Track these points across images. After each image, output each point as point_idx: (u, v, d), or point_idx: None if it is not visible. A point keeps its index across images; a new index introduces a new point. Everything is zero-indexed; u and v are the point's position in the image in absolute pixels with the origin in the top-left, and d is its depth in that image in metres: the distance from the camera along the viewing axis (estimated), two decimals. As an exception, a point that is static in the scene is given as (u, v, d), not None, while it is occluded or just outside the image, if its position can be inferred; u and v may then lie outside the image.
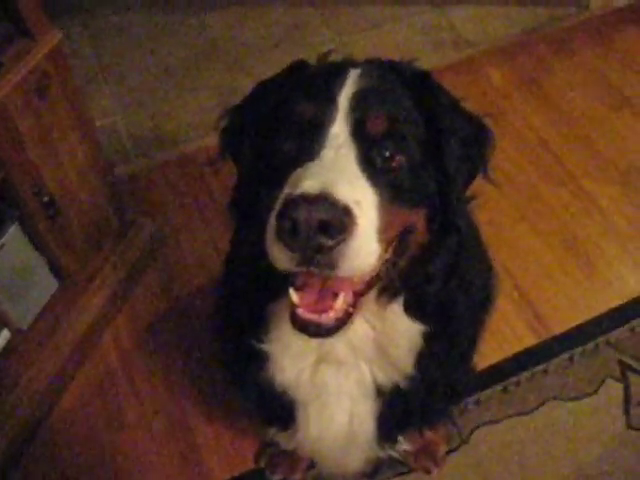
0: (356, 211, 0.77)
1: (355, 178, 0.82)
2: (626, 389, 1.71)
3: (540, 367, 1.75)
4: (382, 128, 0.87)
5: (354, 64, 0.96)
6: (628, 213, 2.04)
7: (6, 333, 1.62)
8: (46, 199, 1.52)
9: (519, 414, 1.68)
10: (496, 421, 1.67)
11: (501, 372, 1.74)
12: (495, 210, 2.02)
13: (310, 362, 1.06)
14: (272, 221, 0.79)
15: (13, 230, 1.55)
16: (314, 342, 0.99)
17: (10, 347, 1.63)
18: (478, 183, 1.00)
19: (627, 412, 1.67)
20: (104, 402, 1.74)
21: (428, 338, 1.02)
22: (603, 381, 1.72)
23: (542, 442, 1.64)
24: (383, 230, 0.82)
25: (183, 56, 2.54)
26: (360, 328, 0.99)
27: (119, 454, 1.67)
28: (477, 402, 1.69)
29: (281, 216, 0.76)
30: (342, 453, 1.23)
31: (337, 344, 1.01)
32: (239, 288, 1.10)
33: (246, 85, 1.05)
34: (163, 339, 1.85)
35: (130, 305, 1.90)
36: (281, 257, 0.79)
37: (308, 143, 0.85)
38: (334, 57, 1.03)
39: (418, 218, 0.92)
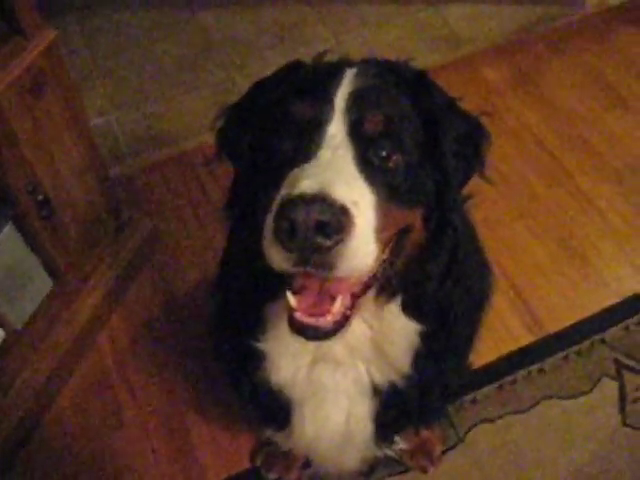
0: (354, 211, 0.77)
1: (352, 178, 0.82)
2: (621, 387, 1.71)
3: (536, 366, 1.75)
4: (379, 128, 0.87)
5: (350, 64, 0.96)
6: (624, 212, 2.05)
7: (1, 333, 1.61)
8: (41, 198, 1.51)
9: (515, 413, 1.68)
10: (492, 420, 1.67)
11: (497, 371, 1.74)
12: (491, 209, 2.02)
13: (307, 361, 1.06)
14: (269, 221, 0.79)
15: (7, 229, 1.54)
16: (311, 342, 0.99)
17: (5, 347, 1.62)
18: (474, 182, 1.00)
19: (622, 410, 1.67)
20: (100, 401, 1.74)
21: (425, 337, 1.02)
22: (599, 379, 1.73)
23: (538, 440, 1.64)
24: (381, 230, 0.82)
25: (178, 55, 2.53)
26: (357, 328, 0.99)
27: (115, 453, 1.67)
28: (473, 401, 1.70)
29: (279, 216, 0.76)
30: (338, 452, 1.23)
31: (334, 344, 1.01)
32: (235, 288, 1.09)
33: (242, 84, 1.05)
34: (158, 338, 1.84)
35: (125, 304, 1.90)
36: (278, 258, 0.79)
37: (305, 143, 0.85)
38: (330, 57, 1.03)
39: (415, 217, 0.92)
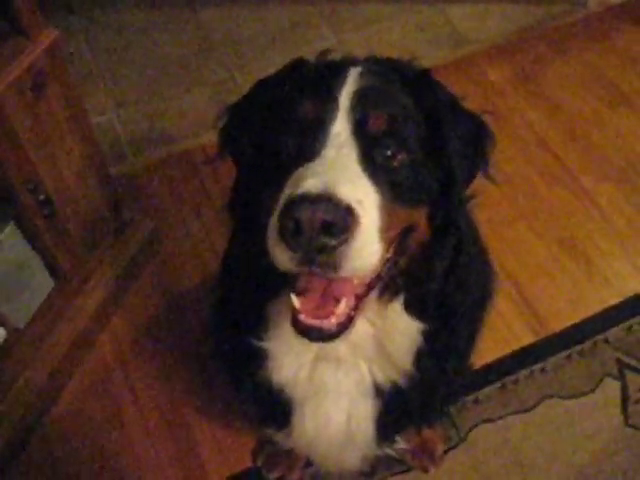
0: (359, 210, 0.77)
1: (357, 177, 0.82)
2: (624, 387, 1.71)
3: (538, 365, 1.75)
4: (383, 127, 0.87)
5: (354, 62, 0.96)
6: (627, 212, 2.04)
7: (2, 332, 1.61)
8: (42, 197, 1.51)
9: (517, 412, 1.68)
10: (494, 419, 1.67)
11: (499, 370, 1.74)
12: (494, 209, 2.02)
13: (309, 360, 1.06)
14: (274, 221, 0.79)
15: (9, 229, 1.54)
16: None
17: (6, 346, 1.62)
18: (476, 183, 1.00)
19: (625, 410, 1.67)
20: (101, 401, 1.74)
21: (427, 336, 1.02)
22: (601, 379, 1.72)
23: (540, 440, 1.64)
24: (385, 229, 0.82)
25: (180, 54, 2.53)
26: (360, 326, 0.99)
27: (116, 452, 1.66)
28: (475, 400, 1.69)
29: (283, 216, 0.76)
30: (339, 452, 1.23)
31: (337, 342, 1.00)
32: (237, 287, 1.09)
33: (243, 83, 1.05)
34: (160, 337, 1.84)
35: (127, 304, 1.89)
36: (283, 257, 0.79)
37: (309, 142, 0.85)
38: (333, 55, 1.03)
39: (419, 216, 0.92)
